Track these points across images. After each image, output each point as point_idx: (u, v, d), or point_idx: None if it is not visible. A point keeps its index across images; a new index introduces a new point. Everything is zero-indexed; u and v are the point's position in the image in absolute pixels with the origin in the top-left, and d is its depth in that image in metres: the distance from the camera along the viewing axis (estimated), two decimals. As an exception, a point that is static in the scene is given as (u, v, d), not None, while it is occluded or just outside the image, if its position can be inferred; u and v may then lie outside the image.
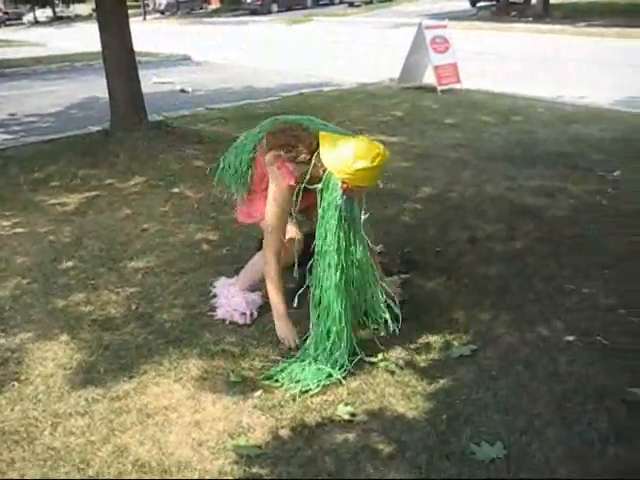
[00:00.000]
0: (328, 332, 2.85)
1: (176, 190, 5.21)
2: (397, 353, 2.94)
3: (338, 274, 2.81)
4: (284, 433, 2.48)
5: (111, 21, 6.18)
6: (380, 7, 31.69)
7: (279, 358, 2.92)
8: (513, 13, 23.09)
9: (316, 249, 2.84)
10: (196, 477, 2.28)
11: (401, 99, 8.67)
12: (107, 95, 6.64)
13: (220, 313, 3.29)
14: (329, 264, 2.82)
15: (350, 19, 26.99)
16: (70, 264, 3.93)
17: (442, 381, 2.74)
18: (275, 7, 33.05)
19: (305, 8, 33.95)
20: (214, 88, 10.60)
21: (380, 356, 2.91)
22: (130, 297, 3.52)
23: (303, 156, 2.84)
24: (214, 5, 39.63)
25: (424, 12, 24.31)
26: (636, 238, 4.09)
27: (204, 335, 3.14)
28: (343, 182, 2.69)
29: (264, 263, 3.06)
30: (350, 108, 8.10)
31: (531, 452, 2.34)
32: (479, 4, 27.59)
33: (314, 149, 2.81)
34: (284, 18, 28.76)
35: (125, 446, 2.43)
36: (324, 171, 2.76)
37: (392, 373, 2.79)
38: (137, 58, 6.67)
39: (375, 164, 2.64)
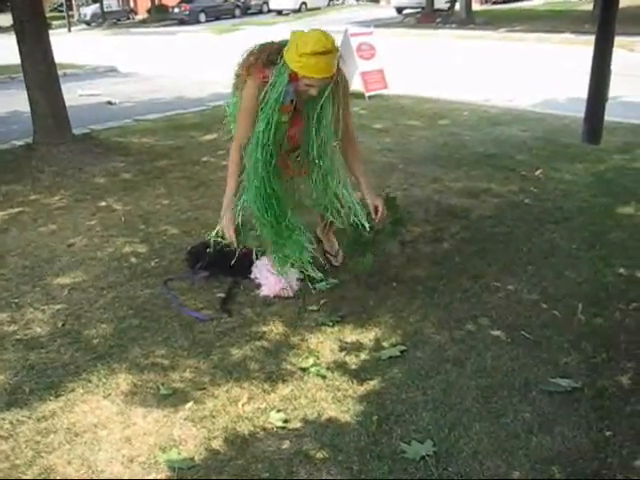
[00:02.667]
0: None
1: (103, 204, 5.11)
2: (327, 357, 2.96)
3: (259, 154, 3.02)
4: (216, 444, 2.46)
5: (29, 32, 6.02)
6: (308, 15, 31.88)
7: (212, 370, 2.91)
8: (438, 20, 23.58)
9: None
10: (127, 494, 2.24)
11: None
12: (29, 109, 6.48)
13: (264, 291, 3.49)
14: (256, 141, 3.02)
15: (279, 27, 27.06)
16: (-8, 283, 3.81)
17: (373, 383, 2.77)
18: (203, 17, 32.80)
19: (234, 17, 33.81)
20: (142, 99, 10.45)
21: (311, 361, 2.92)
22: (56, 314, 3.43)
23: (273, 57, 2.95)
24: (141, 15, 39.04)
25: (351, 19, 24.57)
26: (557, 235, 4.23)
27: (133, 349, 3.09)
28: (292, 71, 2.83)
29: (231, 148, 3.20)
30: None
31: (459, 447, 2.39)
32: (405, 11, 28.08)
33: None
34: (213, 27, 28.62)
35: (52, 467, 2.37)
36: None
37: (323, 377, 2.80)
38: (61, 70, 6.54)
39: (314, 49, 2.73)
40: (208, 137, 7.20)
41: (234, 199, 3.18)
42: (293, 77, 2.86)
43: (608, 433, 2.46)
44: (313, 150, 3.13)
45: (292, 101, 3.00)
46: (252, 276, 3.61)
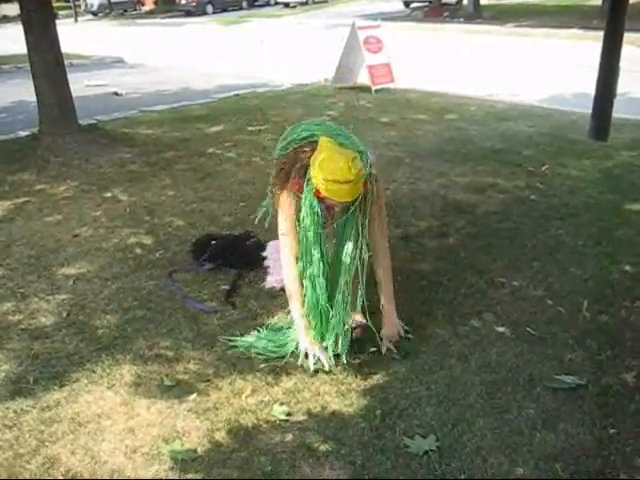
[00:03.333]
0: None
1: (109, 194, 5.11)
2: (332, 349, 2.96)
3: (320, 283, 2.81)
4: (219, 436, 2.46)
5: (36, 21, 6.01)
6: (315, 8, 31.76)
7: (217, 362, 2.91)
8: (445, 14, 23.47)
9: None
10: (130, 485, 2.25)
11: (336, 99, 8.71)
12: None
13: (270, 282, 3.42)
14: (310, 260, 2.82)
15: (285, 20, 26.99)
16: (-2, 273, 3.82)
17: (376, 377, 2.77)
18: (210, 8, 32.71)
19: (241, 9, 33.70)
20: (148, 90, 10.44)
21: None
22: (61, 304, 3.44)
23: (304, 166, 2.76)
24: (148, 6, 38.97)
25: (358, 13, 24.48)
26: (563, 231, 4.22)
27: (137, 340, 3.09)
28: (316, 189, 2.65)
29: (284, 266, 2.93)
30: (286, 109, 8.10)
31: (462, 443, 2.39)
32: (412, 5, 27.97)
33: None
34: (219, 19, 28.54)
35: (56, 457, 2.37)
36: None
37: (327, 371, 2.80)
38: (68, 61, 6.52)
39: (336, 179, 2.54)
40: (214, 129, 7.19)
41: (305, 319, 2.88)
42: (318, 194, 2.67)
43: (612, 431, 2.45)
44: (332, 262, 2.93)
45: (323, 210, 2.80)
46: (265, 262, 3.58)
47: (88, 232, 4.37)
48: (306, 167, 2.72)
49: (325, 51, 11.49)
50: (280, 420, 2.52)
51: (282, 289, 3.36)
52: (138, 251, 4.05)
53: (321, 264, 2.80)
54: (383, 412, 2.55)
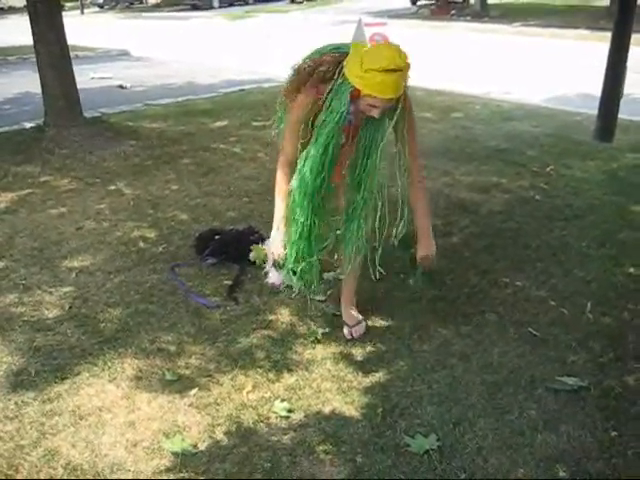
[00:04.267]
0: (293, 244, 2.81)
1: (112, 187, 5.10)
2: (333, 347, 2.96)
3: (313, 180, 2.66)
4: (220, 431, 2.46)
5: (42, 13, 6.00)
6: (322, 4, 31.68)
7: (218, 357, 2.91)
8: (452, 12, 23.40)
9: (306, 151, 2.65)
10: (130, 478, 2.24)
11: (342, 96, 8.70)
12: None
13: (271, 279, 3.10)
14: (310, 168, 2.64)
15: (292, 15, 26.93)
16: (1, 264, 3.82)
17: (378, 375, 2.77)
18: (216, 3, 32.62)
19: (247, 4, 33.60)
20: (154, 84, 10.42)
21: (317, 350, 2.92)
22: (64, 297, 3.44)
23: (331, 72, 2.54)
24: (154, 0, 38.97)
25: (365, 9, 24.39)
26: (567, 232, 4.21)
27: (139, 334, 3.09)
28: (353, 87, 2.42)
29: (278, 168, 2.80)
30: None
31: (464, 442, 2.39)
32: (419, 2, 27.88)
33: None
34: (226, 14, 28.49)
35: (56, 449, 2.38)
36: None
37: (328, 368, 2.80)
38: (74, 53, 6.52)
39: (384, 65, 2.32)
40: (219, 124, 7.18)
41: (283, 221, 2.78)
42: (354, 95, 2.45)
43: (614, 433, 2.45)
44: (355, 179, 2.79)
45: (350, 122, 2.61)
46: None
47: (92, 225, 4.37)
48: (333, 68, 2.52)
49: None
50: (281, 417, 2.52)
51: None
52: (141, 245, 4.05)
53: (324, 179, 2.68)
54: (384, 410, 2.55)
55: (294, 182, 2.70)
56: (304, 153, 2.65)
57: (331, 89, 2.51)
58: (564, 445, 2.39)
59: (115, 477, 2.25)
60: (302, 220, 2.76)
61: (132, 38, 18.29)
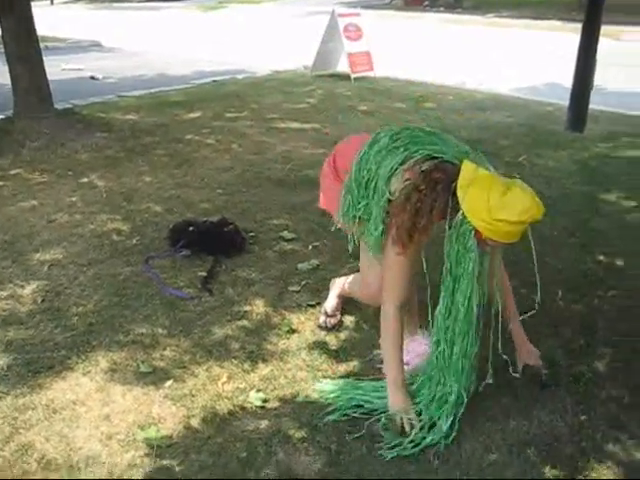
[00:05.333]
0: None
1: (85, 180, 5.05)
2: (308, 337, 2.98)
3: (464, 340, 2.41)
4: (195, 422, 2.46)
5: (10, 3, 5.91)
6: (295, -5, 31.58)
7: (193, 349, 2.90)
8: (425, 2, 23.45)
9: (443, 305, 2.42)
10: (104, 472, 2.24)
11: (315, 86, 8.70)
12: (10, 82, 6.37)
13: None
14: (460, 326, 2.40)
15: (265, 6, 26.79)
16: (-29, 258, 3.77)
17: (352, 364, 2.79)
18: (189, -7, 32.36)
19: (220, -6, 33.40)
20: (126, 75, 10.32)
21: (291, 341, 2.93)
22: (36, 290, 3.40)
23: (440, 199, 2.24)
24: (125, -10, 38.46)
25: (338, 0, 24.40)
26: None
27: (113, 327, 3.07)
28: (476, 230, 2.20)
29: (383, 312, 2.48)
30: (264, 96, 8.06)
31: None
32: (393, -7, 27.89)
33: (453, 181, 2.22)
34: (197, 4, 28.21)
35: (30, 444, 2.35)
36: (456, 210, 2.23)
37: (303, 358, 2.81)
38: (44, 44, 6.43)
39: (522, 219, 2.11)
40: (192, 115, 7.14)
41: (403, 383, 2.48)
42: (477, 236, 2.22)
43: (583, 417, 2.50)
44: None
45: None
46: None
47: (64, 218, 4.32)
48: (444, 201, 2.23)
49: (305, 38, 11.43)
50: (256, 406, 2.53)
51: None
52: (114, 237, 4.02)
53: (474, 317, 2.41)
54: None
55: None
56: (439, 317, 2.41)
57: (450, 226, 2.27)
58: (536, 430, 2.43)
59: (89, 471, 2.24)
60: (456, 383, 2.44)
61: (103, 29, 18.08)
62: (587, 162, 5.55)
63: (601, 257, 3.80)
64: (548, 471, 2.24)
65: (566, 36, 12.81)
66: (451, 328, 2.40)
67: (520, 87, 8.89)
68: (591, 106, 6.61)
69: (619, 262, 3.77)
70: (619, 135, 6.44)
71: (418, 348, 2.80)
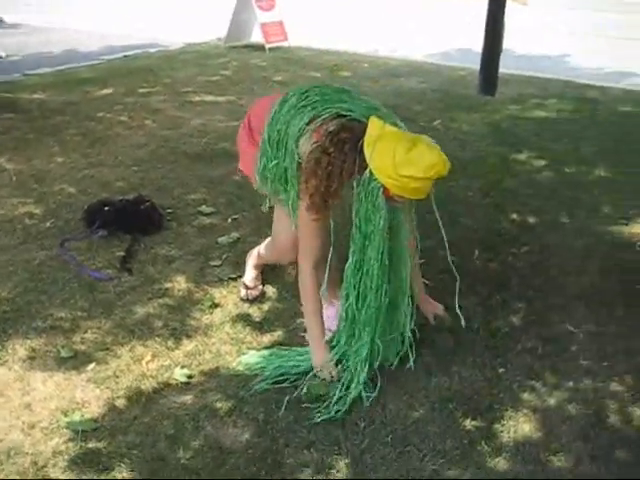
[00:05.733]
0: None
1: (-9, 163, 4.85)
2: (231, 310, 2.97)
3: (374, 298, 2.42)
4: (120, 403, 2.43)
5: None
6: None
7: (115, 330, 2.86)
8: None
9: (353, 257, 2.42)
10: (28, 461, 2.19)
11: (229, 58, 8.56)
12: None
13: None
14: (371, 280, 2.40)
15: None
16: None
17: (276, 334, 2.81)
18: (94, -35, 31.18)
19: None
20: (32, 52, 9.86)
21: (214, 315, 2.92)
22: (-55, 281, 3.27)
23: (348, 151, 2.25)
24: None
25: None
26: (454, 183, 4.35)
27: (30, 313, 2.98)
28: (385, 187, 2.21)
29: (300, 271, 2.54)
30: (177, 69, 7.89)
31: (380, 404, 2.45)
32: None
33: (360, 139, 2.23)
34: (105, -24, 27.30)
35: (-53, 438, 2.28)
36: (364, 167, 2.23)
37: (227, 332, 2.81)
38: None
39: (428, 175, 2.13)
40: (103, 92, 6.91)
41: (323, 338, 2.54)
42: (385, 193, 2.23)
43: (501, 370, 2.60)
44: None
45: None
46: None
47: (-29, 204, 4.14)
48: (352, 161, 2.23)
49: (216, 9, 11.19)
50: (181, 383, 2.52)
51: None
52: (27, 221, 3.88)
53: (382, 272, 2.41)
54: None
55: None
56: (348, 273, 2.41)
57: (358, 184, 2.27)
58: (456, 386, 2.52)
59: (12, 462, 2.18)
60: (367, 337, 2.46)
61: (4, 3, 17.23)
62: (499, 124, 5.70)
63: (514, 216, 3.93)
64: (469, 424, 2.34)
65: (475, 2, 13.01)
66: (363, 282, 2.42)
67: (433, 53, 9.01)
68: (501, 70, 6.78)
69: (531, 220, 3.91)
70: (528, 97, 6.63)
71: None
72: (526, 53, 8.81)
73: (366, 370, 2.45)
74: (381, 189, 2.23)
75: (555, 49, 9.25)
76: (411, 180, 2.12)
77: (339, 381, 2.44)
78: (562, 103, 6.46)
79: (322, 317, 2.57)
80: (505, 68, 7.03)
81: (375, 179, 2.21)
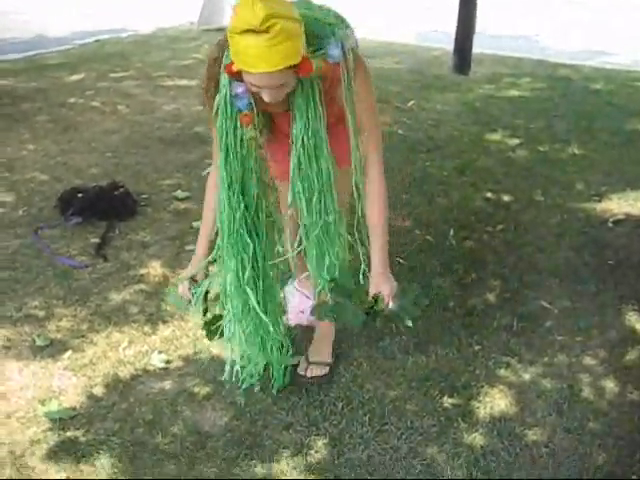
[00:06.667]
0: None
1: (-40, 152, 4.77)
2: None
3: (226, 204, 2.00)
4: (98, 390, 2.43)
5: None
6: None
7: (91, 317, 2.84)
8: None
9: None
10: (5, 451, 2.17)
11: (202, 41, 8.45)
12: None
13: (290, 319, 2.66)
14: (222, 184, 1.99)
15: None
16: None
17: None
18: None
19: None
20: (-1, 38, 9.72)
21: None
22: None
23: None
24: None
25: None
26: (430, 163, 4.37)
27: (4, 302, 2.95)
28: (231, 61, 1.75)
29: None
30: (149, 54, 7.79)
31: (339, 372, 2.48)
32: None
33: None
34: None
35: None
36: None
37: (204, 314, 2.79)
38: None
39: (239, 27, 1.62)
40: (74, 77, 6.81)
41: (202, 261, 2.21)
42: (231, 71, 1.76)
43: (477, 347, 2.63)
44: (300, 193, 2.01)
45: (251, 107, 1.87)
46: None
47: (-59, 193, 4.08)
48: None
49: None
50: (159, 368, 2.51)
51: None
52: (-1, 210, 3.84)
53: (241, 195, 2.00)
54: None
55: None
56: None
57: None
58: (433, 364, 2.54)
59: (-10, 450, 2.18)
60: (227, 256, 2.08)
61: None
62: (473, 103, 5.71)
63: (489, 194, 3.95)
64: (446, 401, 2.36)
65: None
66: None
67: (407, 33, 8.98)
68: (476, 50, 6.78)
69: (506, 198, 3.94)
70: (502, 76, 6.65)
71: (301, 305, 2.65)
72: (499, 33, 8.81)
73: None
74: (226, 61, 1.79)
75: (527, 29, 9.27)
76: (236, 38, 1.65)
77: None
78: (535, 82, 6.48)
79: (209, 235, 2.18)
80: (480, 48, 7.03)
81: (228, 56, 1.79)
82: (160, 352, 2.59)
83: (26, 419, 2.31)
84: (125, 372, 2.50)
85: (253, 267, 2.09)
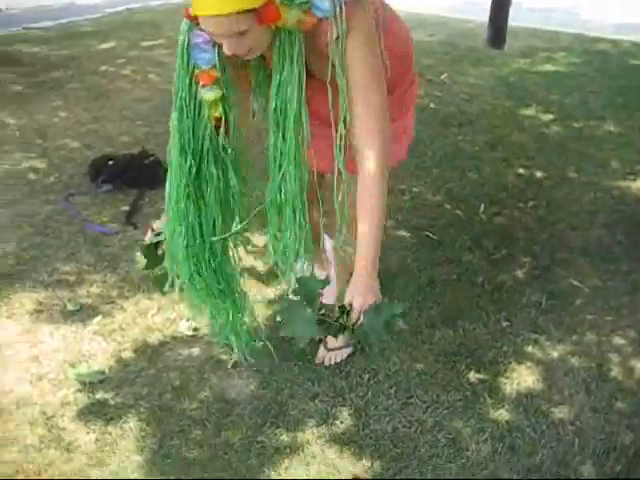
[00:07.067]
0: None
1: (-6, 118, 4.82)
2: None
3: (177, 166, 1.84)
4: (127, 355, 2.46)
5: None
6: None
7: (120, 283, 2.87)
8: None
9: None
10: (37, 411, 2.22)
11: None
12: None
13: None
14: (173, 144, 1.83)
15: None
16: None
17: (280, 287, 2.80)
18: None
19: None
20: (31, 5, 9.71)
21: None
22: (-49, 235, 3.27)
23: None
24: None
25: None
26: (461, 138, 4.31)
27: (37, 267, 2.99)
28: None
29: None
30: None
31: (384, 357, 2.47)
32: None
33: None
34: None
35: (-43, 389, 2.31)
36: None
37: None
38: None
39: None
40: (105, 45, 6.83)
41: None
42: (190, 16, 1.62)
43: (505, 324, 2.61)
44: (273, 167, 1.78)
45: (213, 63, 1.64)
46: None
47: (-25, 158, 4.13)
48: None
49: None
50: (187, 336, 2.54)
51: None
52: (31, 176, 3.87)
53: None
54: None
55: None
56: None
57: None
58: (460, 339, 2.53)
59: (22, 413, 2.21)
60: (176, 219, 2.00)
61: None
62: (507, 78, 5.62)
63: (521, 170, 3.89)
64: (472, 376, 2.35)
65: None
66: None
67: (441, 5, 8.82)
68: (512, 23, 6.65)
69: (538, 174, 3.88)
70: (537, 50, 6.51)
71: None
72: (535, 6, 8.62)
73: None
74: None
75: (565, 1, 9.05)
76: None
77: None
78: (571, 56, 6.34)
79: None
80: (515, 21, 6.89)
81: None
82: (188, 320, 2.61)
83: (57, 381, 2.35)
84: (153, 338, 2.53)
85: (202, 237, 1.93)
